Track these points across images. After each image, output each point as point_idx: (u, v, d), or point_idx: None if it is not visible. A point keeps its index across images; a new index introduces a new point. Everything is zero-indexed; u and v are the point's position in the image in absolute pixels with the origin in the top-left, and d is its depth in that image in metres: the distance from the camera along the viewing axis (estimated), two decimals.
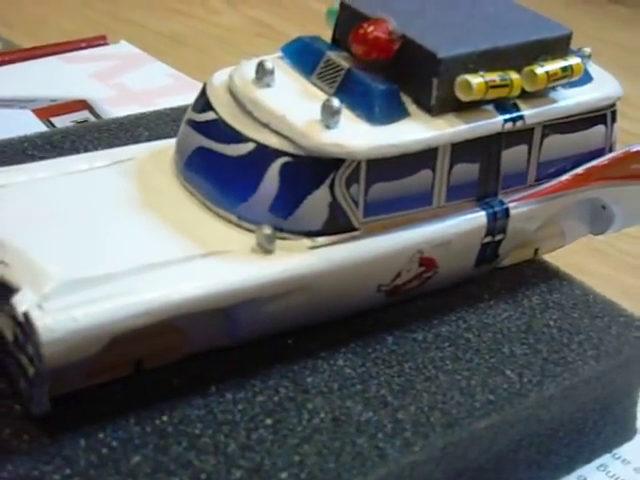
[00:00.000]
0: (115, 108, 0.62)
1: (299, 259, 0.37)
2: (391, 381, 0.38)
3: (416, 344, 0.40)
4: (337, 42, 0.41)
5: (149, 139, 0.50)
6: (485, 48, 0.39)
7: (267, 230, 0.36)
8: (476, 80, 0.38)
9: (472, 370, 0.39)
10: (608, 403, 0.42)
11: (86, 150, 0.49)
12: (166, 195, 0.39)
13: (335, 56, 0.40)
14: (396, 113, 0.38)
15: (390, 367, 0.39)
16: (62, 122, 0.60)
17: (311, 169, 0.37)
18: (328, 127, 0.37)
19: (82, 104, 0.63)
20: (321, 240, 0.37)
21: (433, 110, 0.38)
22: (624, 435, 0.44)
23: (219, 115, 0.39)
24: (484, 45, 0.39)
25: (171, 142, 0.42)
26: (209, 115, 0.39)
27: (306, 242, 0.37)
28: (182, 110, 0.53)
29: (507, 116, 0.40)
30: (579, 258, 0.73)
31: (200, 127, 0.39)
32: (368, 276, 0.39)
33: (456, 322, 0.41)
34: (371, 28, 0.39)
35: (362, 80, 0.38)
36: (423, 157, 0.38)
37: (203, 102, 0.40)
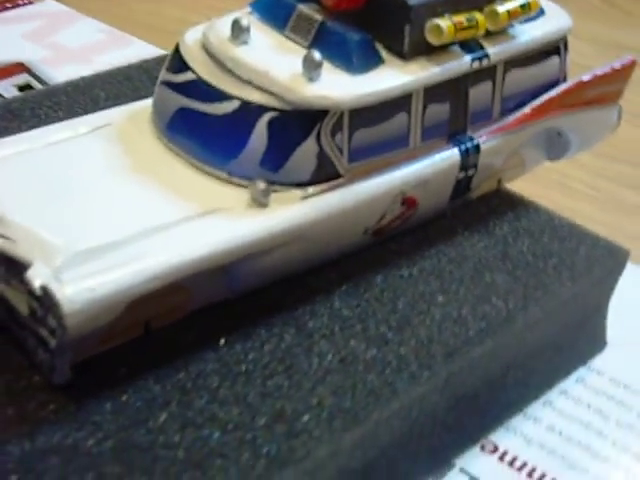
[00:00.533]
0: (54, 68, 0.62)
1: (294, 210, 0.38)
2: (388, 318, 0.40)
3: (403, 280, 0.42)
4: None
5: (107, 100, 0.51)
6: None
7: (261, 185, 0.38)
8: (446, 24, 0.39)
9: (460, 301, 0.41)
10: (582, 319, 0.45)
11: (47, 117, 0.49)
12: (152, 157, 0.40)
13: (306, 9, 0.40)
14: (372, 61, 0.39)
15: (384, 305, 0.40)
16: (4, 88, 0.59)
17: (298, 122, 0.38)
18: (311, 80, 0.38)
19: (20, 67, 0.62)
20: (311, 190, 0.39)
21: (406, 55, 0.40)
22: (596, 347, 0.47)
23: (198, 75, 0.39)
24: None
25: (146, 103, 0.43)
26: (187, 75, 0.40)
27: (297, 193, 0.38)
28: (134, 68, 0.53)
29: (474, 55, 0.41)
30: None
31: (179, 88, 0.40)
32: (357, 220, 0.40)
33: (437, 256, 0.43)
34: None
35: (337, 31, 0.39)
36: (400, 102, 0.40)
37: (178, 62, 0.41)
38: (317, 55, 0.38)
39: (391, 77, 0.39)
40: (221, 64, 0.39)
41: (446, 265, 0.43)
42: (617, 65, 0.46)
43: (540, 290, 0.42)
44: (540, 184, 0.76)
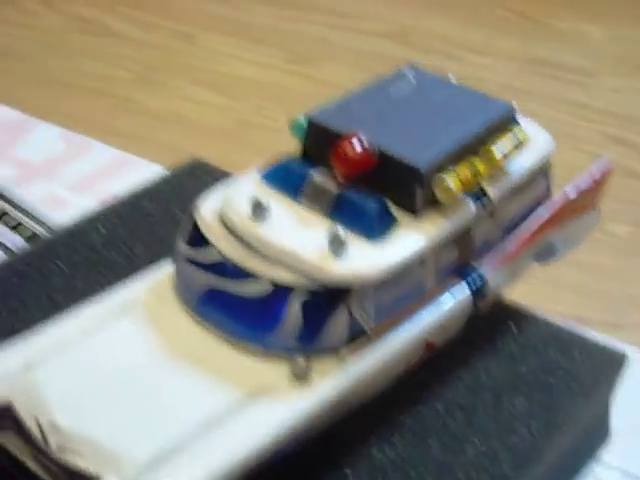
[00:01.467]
0: (24, 188, 0.62)
1: (334, 382, 0.40)
2: (426, 463, 0.42)
3: (431, 418, 0.44)
4: (308, 156, 0.43)
5: (104, 245, 0.51)
6: (454, 147, 0.42)
7: (301, 362, 0.39)
8: (453, 182, 0.41)
9: (488, 434, 0.43)
10: (589, 421, 0.48)
11: (52, 274, 0.49)
12: (185, 335, 0.41)
13: (319, 178, 0.42)
14: (389, 224, 0.41)
15: (417, 447, 0.42)
16: None
17: (330, 298, 0.40)
18: (338, 256, 0.39)
19: None
20: (344, 352, 0.40)
21: (418, 213, 0.42)
22: (602, 440, 0.50)
23: (224, 254, 0.41)
24: (451, 144, 0.42)
25: (164, 272, 0.44)
26: (213, 254, 0.41)
27: (332, 358, 0.40)
28: (121, 204, 0.54)
29: (478, 201, 0.44)
30: None
31: (206, 267, 0.41)
32: (388, 374, 0.42)
33: (455, 383, 0.45)
34: (349, 147, 0.41)
35: (355, 201, 0.41)
36: (418, 261, 0.42)
37: (198, 237, 0.42)
38: (342, 232, 0.39)
39: (409, 241, 0.41)
40: (246, 243, 0.41)
41: (466, 394, 0.45)
42: (597, 175, 0.49)
43: (559, 412, 0.44)
44: None
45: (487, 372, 0.46)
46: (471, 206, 0.43)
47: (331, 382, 0.40)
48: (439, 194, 0.42)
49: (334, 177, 0.42)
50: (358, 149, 0.41)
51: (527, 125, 0.48)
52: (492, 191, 0.44)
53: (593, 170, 0.49)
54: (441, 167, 0.42)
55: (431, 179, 0.41)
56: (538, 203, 0.48)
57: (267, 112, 0.94)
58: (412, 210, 0.42)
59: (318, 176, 0.42)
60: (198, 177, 0.58)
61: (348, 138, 0.41)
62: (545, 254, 0.50)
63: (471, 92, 0.46)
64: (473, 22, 1.12)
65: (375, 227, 0.41)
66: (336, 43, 1.08)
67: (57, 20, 1.07)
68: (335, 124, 0.43)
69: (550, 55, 1.07)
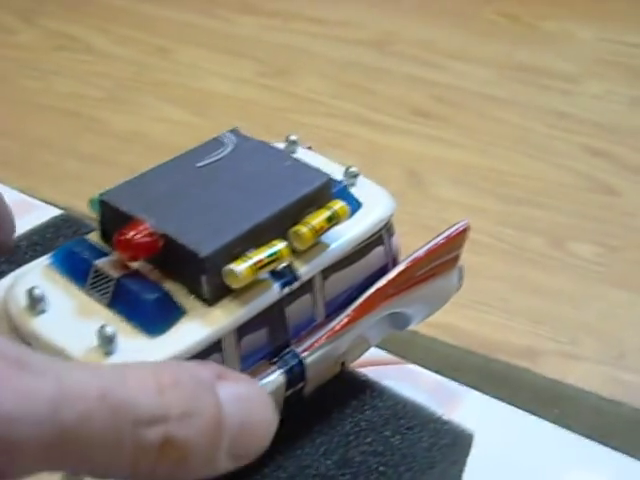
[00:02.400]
0: None
1: None
2: None
3: None
4: (107, 237, 0.41)
5: None
6: (247, 228, 0.39)
7: None
8: (242, 268, 0.38)
9: None
10: None
11: None
12: None
13: (104, 264, 0.39)
14: (172, 316, 0.38)
15: None
16: None
17: None
18: (108, 354, 0.37)
19: None
20: None
21: (209, 301, 0.39)
22: None
23: None
24: (246, 225, 0.39)
25: None
26: None
27: None
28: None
29: (283, 281, 0.41)
30: (408, 239, 0.76)
31: None
32: None
33: (277, 472, 0.43)
34: (131, 233, 0.38)
35: (132, 291, 0.38)
36: (207, 350, 0.39)
37: None
38: (109, 329, 0.37)
39: (192, 332, 0.38)
40: (22, 337, 0.39)
41: None
42: (452, 233, 0.46)
43: None
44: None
45: (313, 456, 0.43)
46: (274, 286, 0.40)
47: None
48: (228, 281, 0.39)
49: (122, 262, 0.40)
50: (140, 233, 0.39)
51: (365, 189, 0.45)
52: (303, 269, 0.41)
53: (445, 231, 0.46)
54: (230, 252, 0.39)
55: (219, 267, 0.39)
56: (377, 273, 0.45)
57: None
58: (201, 298, 0.39)
59: (102, 261, 0.40)
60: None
61: (132, 221, 0.39)
62: (398, 321, 0.47)
63: (289, 162, 0.43)
64: (459, 26, 1.08)
65: (153, 320, 0.38)
66: (317, 53, 1.05)
67: (34, 36, 1.07)
68: (125, 204, 0.40)
69: (535, 59, 1.02)
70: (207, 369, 0.34)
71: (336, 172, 0.45)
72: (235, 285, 0.38)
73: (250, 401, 0.34)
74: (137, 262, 0.39)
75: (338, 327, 0.43)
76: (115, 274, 0.39)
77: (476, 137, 0.94)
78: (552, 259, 0.76)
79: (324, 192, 0.42)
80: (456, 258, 0.47)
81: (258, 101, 0.98)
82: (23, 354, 0.29)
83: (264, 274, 0.40)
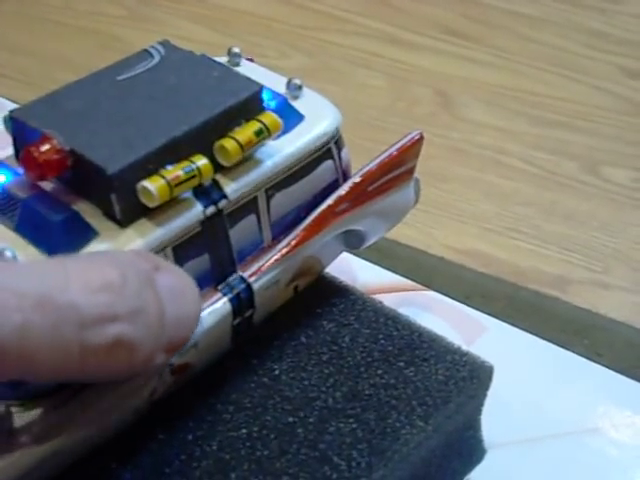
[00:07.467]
0: None
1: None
2: None
3: (240, 442, 0.38)
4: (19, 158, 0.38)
5: None
6: (163, 143, 0.36)
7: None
8: (155, 185, 0.35)
9: (301, 465, 0.37)
10: (449, 443, 0.41)
11: None
12: None
13: (12, 185, 0.37)
14: (82, 238, 0.35)
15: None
16: None
17: None
18: None
19: None
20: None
21: (122, 222, 0.36)
22: (474, 459, 0.44)
23: None
24: (162, 139, 0.36)
25: None
26: None
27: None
28: None
29: (207, 200, 0.38)
30: (439, 162, 0.72)
31: None
32: (121, 407, 0.37)
33: (281, 404, 0.39)
34: (38, 150, 0.36)
35: (38, 212, 0.35)
36: None
37: None
38: (8, 254, 0.34)
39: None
40: None
41: (288, 415, 0.38)
42: (405, 143, 0.42)
43: (388, 439, 0.38)
44: (474, 166, 0.72)
45: (319, 385, 0.40)
46: (197, 208, 0.37)
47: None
48: (143, 199, 0.36)
49: (32, 182, 0.37)
50: (47, 150, 0.36)
51: (310, 102, 0.41)
52: (231, 187, 0.38)
53: (398, 142, 0.42)
54: (143, 168, 0.36)
55: (132, 185, 0.36)
56: (328, 188, 0.41)
57: (259, 49, 0.88)
58: (115, 218, 0.36)
59: (12, 182, 0.37)
60: None
61: (40, 138, 0.36)
62: (352, 239, 0.44)
63: (218, 73, 0.39)
64: None
65: (61, 243, 0.35)
66: None
67: None
68: (35, 120, 0.37)
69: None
70: (146, 260, 0.31)
71: (279, 84, 0.42)
72: (151, 204, 0.35)
73: (183, 293, 0.32)
74: (47, 182, 0.36)
75: (287, 249, 0.40)
76: (22, 195, 0.36)
77: (509, 57, 0.89)
78: (586, 184, 0.71)
79: (253, 104, 0.38)
80: (411, 170, 0.43)
81: (283, 19, 0.95)
82: None
83: (186, 192, 0.37)
